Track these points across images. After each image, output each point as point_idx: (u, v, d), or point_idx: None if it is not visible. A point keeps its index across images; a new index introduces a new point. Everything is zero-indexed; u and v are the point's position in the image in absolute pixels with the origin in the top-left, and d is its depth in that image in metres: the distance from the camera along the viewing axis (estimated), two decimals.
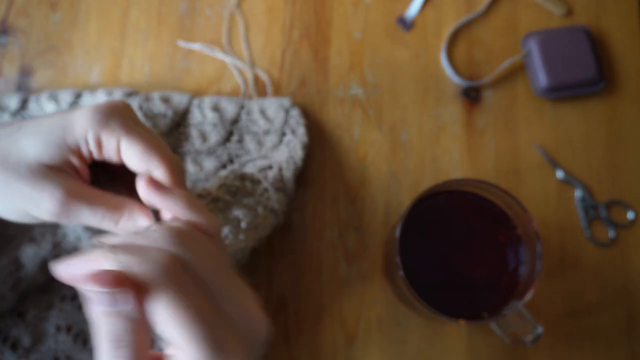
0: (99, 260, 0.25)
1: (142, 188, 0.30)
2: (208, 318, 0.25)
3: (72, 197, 0.31)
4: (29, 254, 0.44)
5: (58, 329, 0.47)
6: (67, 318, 0.48)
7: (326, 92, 0.57)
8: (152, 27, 0.59)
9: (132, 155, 0.31)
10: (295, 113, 0.54)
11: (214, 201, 0.42)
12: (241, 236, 0.44)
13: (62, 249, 0.46)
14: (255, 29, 0.59)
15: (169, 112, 0.52)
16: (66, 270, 0.26)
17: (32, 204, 0.30)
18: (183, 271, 0.25)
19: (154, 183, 0.30)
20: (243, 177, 0.46)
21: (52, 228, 0.46)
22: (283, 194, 0.49)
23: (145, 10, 0.59)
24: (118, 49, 0.58)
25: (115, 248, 0.25)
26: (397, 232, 0.43)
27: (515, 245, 0.46)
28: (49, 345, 0.47)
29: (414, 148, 0.55)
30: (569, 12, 0.59)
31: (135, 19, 0.59)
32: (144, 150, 0.31)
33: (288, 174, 0.50)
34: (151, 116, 0.52)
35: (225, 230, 0.43)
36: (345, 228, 0.53)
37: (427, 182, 0.55)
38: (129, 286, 0.24)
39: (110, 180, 0.36)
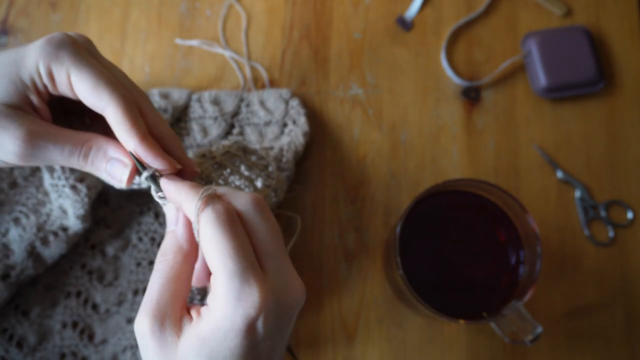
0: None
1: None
2: (242, 255, 0.27)
3: (35, 136, 0.30)
4: (15, 239, 0.45)
5: (63, 325, 0.47)
6: (73, 314, 0.48)
7: (326, 92, 0.57)
8: (152, 27, 0.59)
9: (82, 89, 0.30)
10: (295, 103, 0.54)
11: (218, 165, 0.42)
12: None
13: (47, 230, 0.45)
14: (255, 28, 0.59)
15: (169, 108, 0.52)
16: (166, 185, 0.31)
17: None
18: (237, 220, 0.29)
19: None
20: (245, 149, 0.46)
21: (34, 208, 0.46)
22: (283, 173, 0.49)
23: (145, 10, 0.59)
24: (118, 49, 0.58)
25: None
26: (397, 232, 0.43)
27: (515, 245, 0.46)
28: (54, 343, 0.47)
29: (414, 148, 0.55)
30: (569, 12, 0.59)
31: (135, 19, 0.59)
32: (94, 85, 0.30)
33: (289, 155, 0.50)
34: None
35: None
36: (345, 228, 0.53)
37: (427, 182, 0.55)
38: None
39: (69, 118, 0.35)
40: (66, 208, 0.45)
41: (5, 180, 0.47)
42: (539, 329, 0.42)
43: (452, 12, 0.59)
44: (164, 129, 0.33)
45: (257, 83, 0.57)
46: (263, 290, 0.27)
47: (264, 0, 0.59)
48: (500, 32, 0.59)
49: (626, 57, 0.58)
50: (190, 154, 0.53)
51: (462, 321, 0.42)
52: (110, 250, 0.50)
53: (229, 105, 0.54)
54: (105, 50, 0.58)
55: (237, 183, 0.43)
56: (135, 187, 0.34)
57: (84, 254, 0.49)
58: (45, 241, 0.45)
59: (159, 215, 0.51)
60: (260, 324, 0.27)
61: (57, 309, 0.48)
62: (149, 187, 0.33)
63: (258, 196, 0.30)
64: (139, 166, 0.31)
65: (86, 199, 0.44)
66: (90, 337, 0.48)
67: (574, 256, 0.53)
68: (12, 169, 0.47)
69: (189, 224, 0.31)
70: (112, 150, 0.32)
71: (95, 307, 0.48)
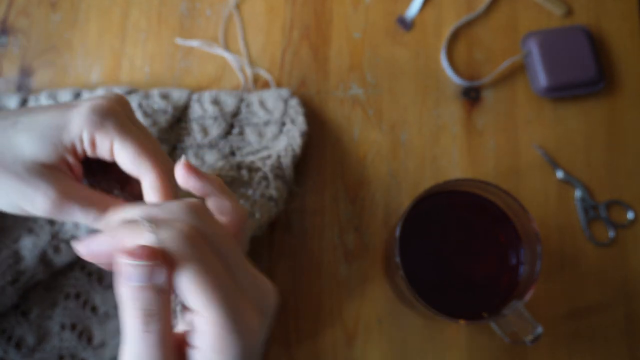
0: (128, 235, 0.25)
1: (179, 171, 0.30)
2: (226, 285, 0.25)
3: (64, 197, 0.31)
4: (28, 246, 0.45)
5: (62, 327, 0.47)
6: (72, 316, 0.48)
7: (326, 92, 0.57)
8: (152, 27, 0.59)
9: (124, 157, 0.32)
10: (294, 103, 0.54)
11: None
12: None
13: (60, 239, 0.46)
14: (255, 29, 0.59)
15: (169, 108, 0.52)
16: (89, 248, 0.27)
17: (27, 200, 0.31)
18: (203, 242, 0.26)
19: (191, 167, 0.30)
20: (239, 165, 0.46)
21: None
22: (282, 182, 0.49)
23: (145, 10, 0.59)
24: (118, 49, 0.58)
25: (146, 222, 0.25)
26: (397, 232, 0.43)
27: (515, 246, 0.46)
28: (53, 344, 0.47)
29: (414, 148, 0.55)
30: (569, 12, 0.59)
31: (135, 19, 0.59)
32: (136, 154, 0.32)
33: (286, 161, 0.50)
34: (151, 113, 0.52)
35: None
36: (345, 228, 0.53)
37: (427, 182, 0.55)
38: (161, 259, 0.24)
39: (103, 174, 0.37)
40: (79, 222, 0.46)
41: None
42: (539, 329, 0.42)
43: (452, 12, 0.59)
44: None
45: (257, 83, 0.57)
46: (254, 313, 0.27)
47: (264, 0, 0.59)
48: (500, 32, 0.59)
49: (626, 57, 0.58)
50: (191, 154, 0.53)
51: (462, 321, 0.42)
52: None
53: (229, 106, 0.54)
54: (105, 50, 0.58)
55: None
56: None
57: None
58: (57, 249, 0.46)
59: None
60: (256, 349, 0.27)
61: (57, 310, 0.48)
62: None
63: (190, 203, 0.27)
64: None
65: None
66: (89, 340, 0.47)
67: (574, 256, 0.53)
68: None
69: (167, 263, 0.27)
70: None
71: (94, 309, 0.48)
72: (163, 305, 0.25)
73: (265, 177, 0.46)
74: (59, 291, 0.48)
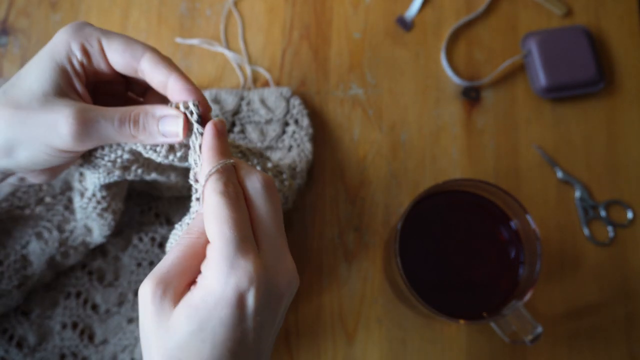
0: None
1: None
2: (240, 227, 0.28)
3: (85, 113, 0.32)
4: (36, 252, 0.45)
5: (63, 326, 0.47)
6: (72, 315, 0.48)
7: (326, 92, 0.57)
8: (152, 27, 0.59)
9: (115, 51, 0.33)
10: (297, 102, 0.54)
11: (242, 155, 0.42)
12: None
13: (69, 245, 0.46)
14: (255, 29, 0.59)
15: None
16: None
17: (51, 131, 0.31)
18: (239, 193, 0.30)
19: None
20: (262, 155, 0.46)
21: (58, 224, 0.46)
22: (295, 182, 0.50)
23: (145, 10, 0.59)
24: None
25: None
26: (397, 232, 0.43)
27: (515, 246, 0.46)
28: (54, 343, 0.47)
29: (414, 148, 0.55)
30: (569, 12, 0.59)
31: (135, 19, 0.59)
32: (126, 43, 0.33)
33: (302, 165, 0.51)
34: None
35: None
36: (345, 228, 0.53)
37: (427, 182, 0.55)
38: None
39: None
40: (92, 227, 0.46)
41: (33, 197, 0.47)
42: (539, 329, 0.42)
43: (452, 12, 0.59)
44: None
45: (257, 83, 0.57)
46: (256, 264, 0.28)
47: (264, 0, 0.59)
48: (500, 32, 0.59)
49: (626, 57, 0.58)
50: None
51: (462, 321, 0.42)
52: (110, 250, 0.50)
53: (230, 104, 0.54)
54: None
55: None
56: (167, 161, 0.34)
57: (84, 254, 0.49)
58: (65, 255, 0.46)
59: (159, 215, 0.51)
60: (250, 297, 0.27)
61: (57, 309, 0.48)
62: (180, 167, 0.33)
63: (269, 177, 0.31)
64: (187, 114, 0.33)
65: (112, 223, 0.45)
66: (91, 338, 0.48)
67: (574, 256, 0.53)
68: (41, 186, 0.47)
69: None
70: (159, 110, 0.33)
71: (95, 307, 0.48)
72: (199, 235, 0.30)
73: (281, 172, 0.46)
74: (60, 291, 0.48)
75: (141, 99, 0.38)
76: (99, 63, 0.33)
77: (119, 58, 0.33)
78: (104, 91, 0.37)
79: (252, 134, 0.54)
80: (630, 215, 0.54)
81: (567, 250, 0.53)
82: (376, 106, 0.57)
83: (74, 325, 0.48)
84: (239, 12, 0.59)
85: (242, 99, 0.54)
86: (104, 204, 0.42)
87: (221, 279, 0.27)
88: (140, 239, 0.50)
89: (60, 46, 0.32)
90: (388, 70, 0.57)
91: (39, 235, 0.45)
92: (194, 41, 0.58)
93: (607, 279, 0.52)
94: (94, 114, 0.32)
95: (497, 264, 0.46)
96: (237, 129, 0.54)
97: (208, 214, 0.29)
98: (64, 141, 0.31)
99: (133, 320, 0.48)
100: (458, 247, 0.47)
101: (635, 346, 0.51)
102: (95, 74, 0.34)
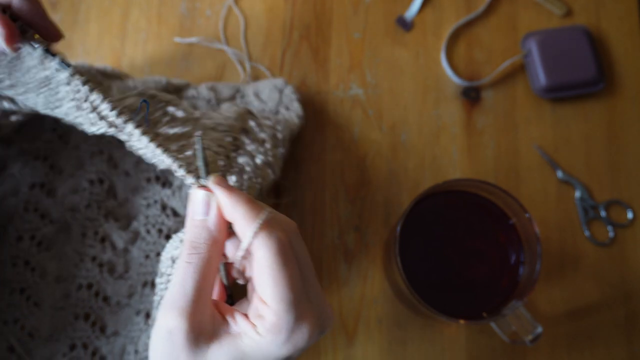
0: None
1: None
2: (299, 289, 0.28)
3: None
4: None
5: (76, 317, 0.48)
6: (85, 306, 0.48)
7: (326, 92, 0.57)
8: (152, 27, 0.59)
9: None
10: (288, 91, 0.54)
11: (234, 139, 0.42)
12: (245, 184, 0.43)
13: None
14: (255, 29, 0.59)
15: (163, 80, 0.52)
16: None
17: None
18: (291, 250, 0.29)
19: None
20: (245, 129, 0.45)
21: None
22: (277, 150, 0.49)
23: (145, 10, 0.59)
24: (118, 49, 0.58)
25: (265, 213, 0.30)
26: (397, 232, 0.43)
27: (515, 246, 0.46)
28: (66, 334, 0.47)
29: (414, 148, 0.55)
30: (569, 12, 0.59)
31: (135, 19, 0.59)
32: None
33: (285, 132, 0.50)
34: (143, 81, 0.51)
35: (233, 178, 0.43)
36: (345, 228, 0.53)
37: (427, 182, 0.55)
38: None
39: None
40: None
41: None
42: (539, 329, 0.42)
43: (452, 12, 0.59)
44: None
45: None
46: (312, 326, 0.28)
47: (263, 1, 0.59)
48: (500, 32, 0.59)
49: (626, 57, 0.58)
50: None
51: (462, 321, 0.42)
52: (120, 243, 0.50)
53: (224, 94, 0.54)
54: (105, 50, 0.58)
55: (241, 161, 0.43)
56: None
57: (93, 246, 0.50)
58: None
59: (165, 207, 0.52)
60: (300, 352, 0.28)
61: (70, 300, 0.48)
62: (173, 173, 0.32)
63: (293, 222, 0.31)
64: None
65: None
66: (102, 329, 0.48)
67: (574, 256, 0.53)
68: None
69: (221, 214, 0.30)
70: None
71: (106, 299, 0.49)
72: (209, 248, 0.29)
73: (264, 140, 0.45)
74: (70, 282, 0.49)
75: None
76: None
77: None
78: None
79: None
80: (630, 215, 0.54)
81: (567, 250, 0.53)
82: (376, 106, 0.57)
83: (86, 317, 0.48)
84: (239, 11, 0.59)
85: (237, 91, 0.54)
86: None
87: (279, 341, 0.27)
88: (148, 231, 0.51)
89: None
90: (388, 70, 0.57)
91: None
92: (194, 39, 0.58)
93: (607, 279, 0.52)
94: None
95: (497, 264, 0.46)
96: None
97: (263, 275, 0.28)
98: None
99: (140, 312, 0.48)
100: (458, 247, 0.47)
101: (636, 346, 0.51)
102: None
